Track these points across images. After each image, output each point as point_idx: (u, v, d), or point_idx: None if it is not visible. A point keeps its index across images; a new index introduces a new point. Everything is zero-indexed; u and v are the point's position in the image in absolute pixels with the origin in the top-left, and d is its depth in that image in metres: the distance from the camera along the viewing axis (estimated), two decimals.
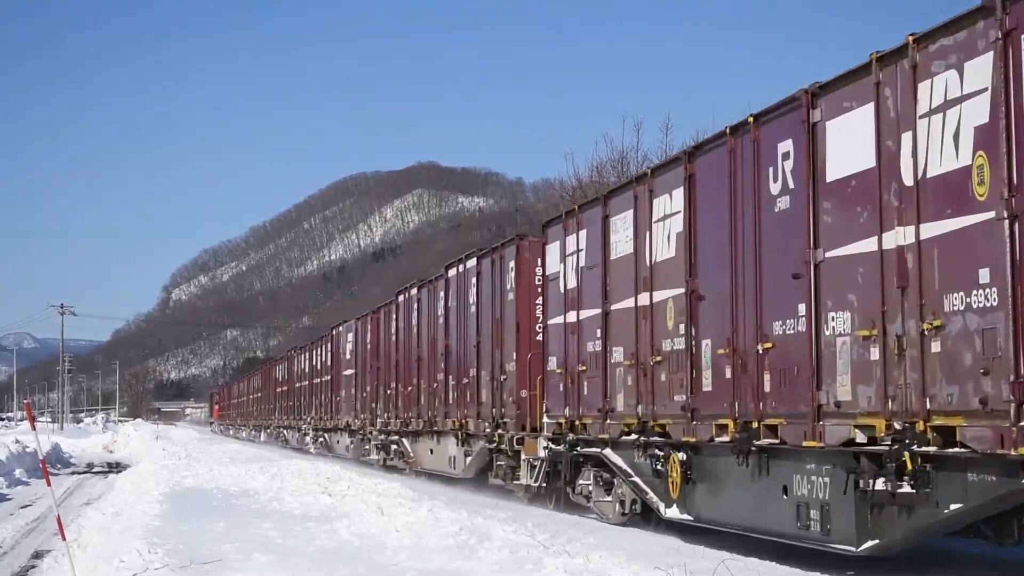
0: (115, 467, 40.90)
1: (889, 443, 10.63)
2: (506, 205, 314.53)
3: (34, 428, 14.22)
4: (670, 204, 15.52)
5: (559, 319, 19.38)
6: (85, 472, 38.54)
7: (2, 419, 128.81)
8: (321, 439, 47.90)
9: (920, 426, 10.34)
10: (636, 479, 16.47)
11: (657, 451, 15.60)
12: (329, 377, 45.11)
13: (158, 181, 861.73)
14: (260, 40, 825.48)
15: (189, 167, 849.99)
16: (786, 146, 12.74)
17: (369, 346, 36.70)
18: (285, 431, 60.31)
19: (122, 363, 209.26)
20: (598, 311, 17.70)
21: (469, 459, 25.28)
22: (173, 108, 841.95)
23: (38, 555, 16.01)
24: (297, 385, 55.36)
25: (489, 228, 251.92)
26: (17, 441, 38.64)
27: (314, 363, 50.02)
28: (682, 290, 15.02)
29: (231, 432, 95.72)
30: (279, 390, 63.12)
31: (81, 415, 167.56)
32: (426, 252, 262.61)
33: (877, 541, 11.21)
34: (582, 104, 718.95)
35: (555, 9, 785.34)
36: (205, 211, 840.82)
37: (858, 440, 11.24)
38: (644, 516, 16.91)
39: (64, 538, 13.50)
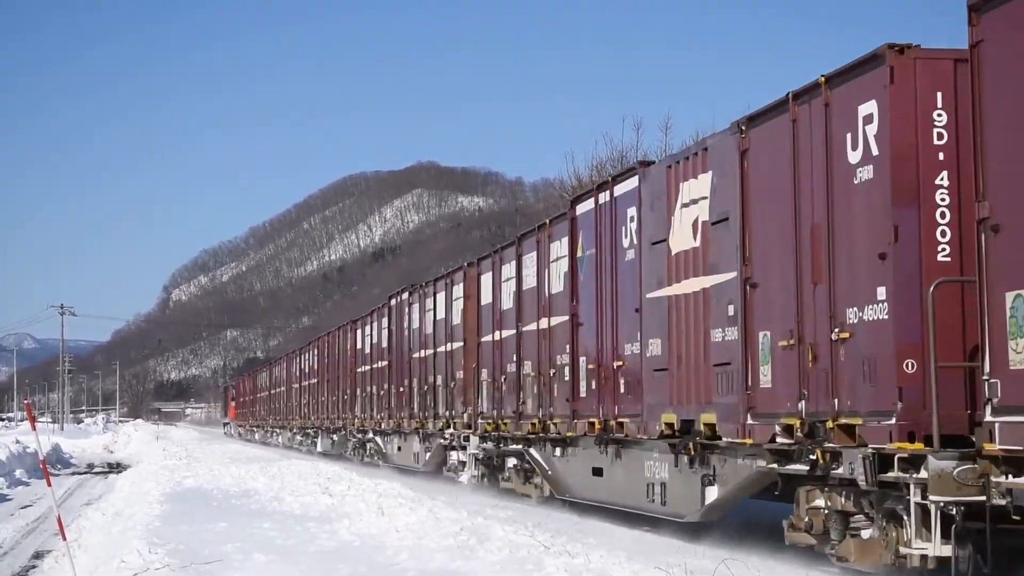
0: (115, 467, 40.93)
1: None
2: (506, 205, 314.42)
3: (34, 428, 14.25)
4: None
5: None
6: (85, 472, 38.58)
7: (2, 419, 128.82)
8: (515, 463, 22.94)
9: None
10: None
11: None
12: (567, 317, 19.48)
13: (158, 181, 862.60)
14: (259, 39, 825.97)
15: (189, 167, 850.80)
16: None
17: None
18: (380, 438, 36.38)
19: (122, 363, 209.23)
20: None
21: None
22: (173, 108, 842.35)
23: (39, 555, 16.05)
24: (420, 355, 30.32)
25: (489, 228, 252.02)
26: (17, 441, 38.69)
27: (487, 299, 24.44)
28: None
29: (256, 436, 73.80)
30: (364, 369, 38.34)
31: (81, 415, 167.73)
32: (426, 252, 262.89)
33: None
34: (582, 104, 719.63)
35: (555, 9, 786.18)
36: (205, 211, 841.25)
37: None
38: None
39: (64, 538, 13.51)
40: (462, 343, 26.22)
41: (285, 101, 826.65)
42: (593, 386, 18.29)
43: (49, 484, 13.86)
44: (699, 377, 14.55)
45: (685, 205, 15.09)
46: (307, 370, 52.47)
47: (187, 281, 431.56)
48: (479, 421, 24.52)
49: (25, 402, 16.47)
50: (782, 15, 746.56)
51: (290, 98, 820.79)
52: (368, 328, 38.19)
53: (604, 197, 18.03)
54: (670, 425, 15.20)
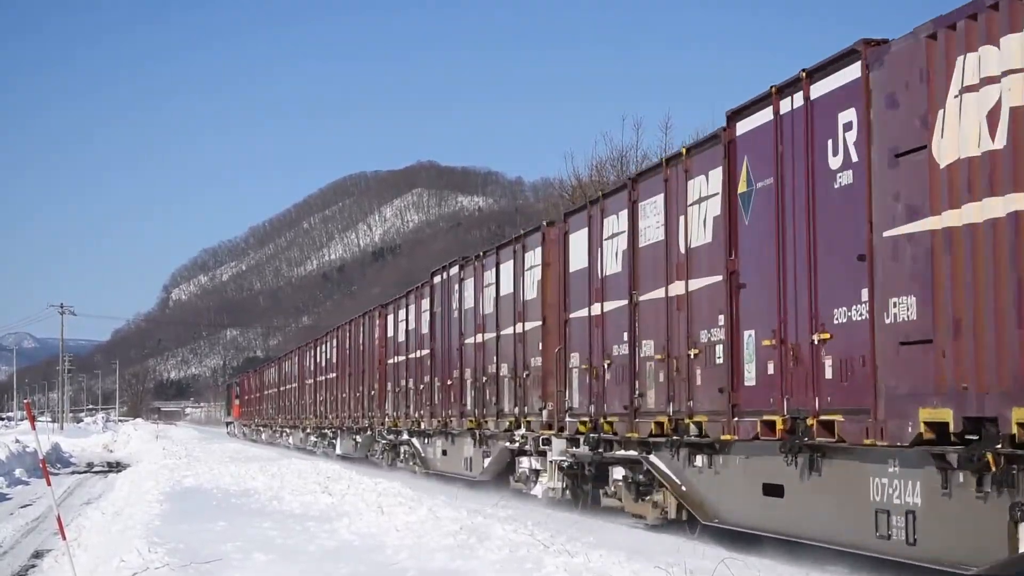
0: (115, 467, 40.91)
1: None
2: (506, 204, 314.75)
3: (34, 428, 14.22)
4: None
5: None
6: (85, 472, 38.55)
7: (2, 419, 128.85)
8: (625, 474, 17.45)
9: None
10: None
11: None
12: (719, 277, 14.84)
13: (158, 181, 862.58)
14: (259, 39, 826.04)
15: (189, 167, 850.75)
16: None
17: None
18: (419, 440, 30.39)
19: (122, 363, 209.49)
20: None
21: None
22: (173, 108, 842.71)
23: (38, 555, 16.02)
24: (476, 340, 24.88)
25: (489, 227, 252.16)
26: (17, 441, 38.68)
27: (580, 264, 19.27)
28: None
29: (262, 436, 68.48)
30: (398, 360, 32.71)
31: (81, 415, 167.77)
32: (426, 251, 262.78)
33: None
34: (582, 104, 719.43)
35: (555, 9, 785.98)
36: (205, 211, 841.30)
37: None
38: None
39: (64, 537, 13.49)
40: (539, 322, 20.95)
41: (285, 101, 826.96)
42: (770, 370, 12.98)
43: (49, 483, 13.83)
44: (1004, 350, 9.42)
45: (968, 89, 9.86)
46: (324, 364, 46.71)
47: (187, 281, 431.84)
48: (567, 420, 19.17)
49: (25, 401, 16.46)
50: (782, 15, 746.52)
51: (290, 98, 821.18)
52: (403, 312, 32.41)
53: (791, 103, 12.80)
54: (936, 425, 10.16)
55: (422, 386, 29.66)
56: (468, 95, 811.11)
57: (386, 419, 33.85)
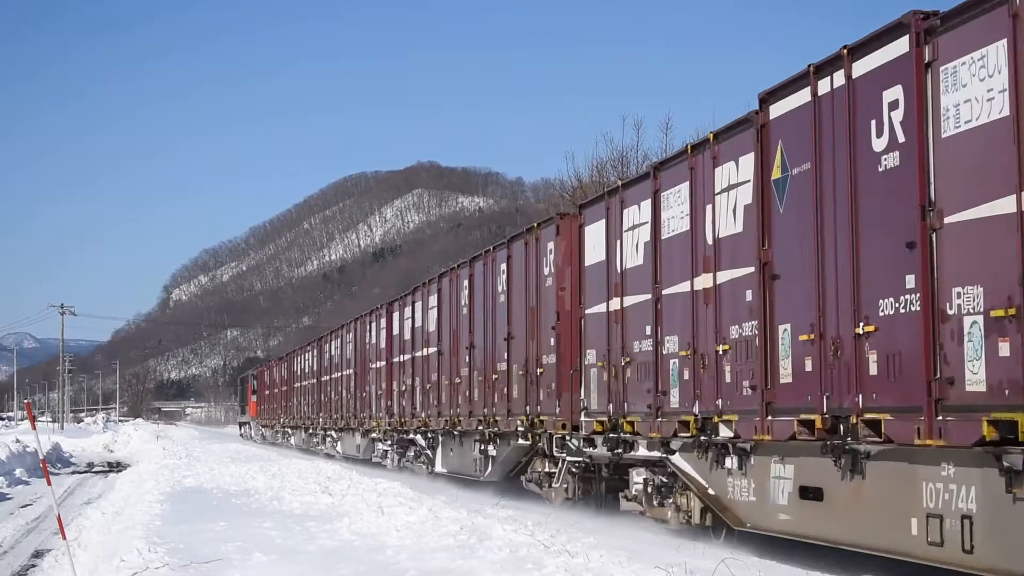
0: (115, 467, 40.91)
1: None
2: (506, 205, 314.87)
3: (34, 428, 14.21)
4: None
5: None
6: (85, 472, 38.55)
7: (2, 419, 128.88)
8: None
9: None
10: None
11: None
12: None
13: (158, 181, 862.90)
14: (260, 39, 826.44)
15: (189, 166, 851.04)
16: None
17: None
18: (694, 462, 14.58)
19: (122, 363, 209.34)
20: None
21: None
22: (174, 108, 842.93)
23: (38, 554, 16.01)
24: None
25: (489, 228, 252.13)
26: (17, 440, 38.67)
27: None
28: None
29: (291, 440, 54.97)
30: (657, 294, 15.33)
31: (81, 415, 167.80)
32: (426, 252, 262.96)
33: None
34: (582, 104, 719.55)
35: (556, 9, 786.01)
36: (205, 211, 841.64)
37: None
38: None
39: (64, 537, 13.49)
40: None
41: (285, 101, 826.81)
42: None
43: (49, 483, 13.82)
44: None
45: None
46: (410, 336, 31.20)
47: (187, 281, 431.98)
48: None
49: (25, 401, 16.47)
50: (782, 15, 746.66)
51: (290, 98, 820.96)
52: (634, 212, 16.44)
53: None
54: None
55: (723, 349, 13.77)
56: (468, 95, 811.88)
57: (574, 417, 18.71)
